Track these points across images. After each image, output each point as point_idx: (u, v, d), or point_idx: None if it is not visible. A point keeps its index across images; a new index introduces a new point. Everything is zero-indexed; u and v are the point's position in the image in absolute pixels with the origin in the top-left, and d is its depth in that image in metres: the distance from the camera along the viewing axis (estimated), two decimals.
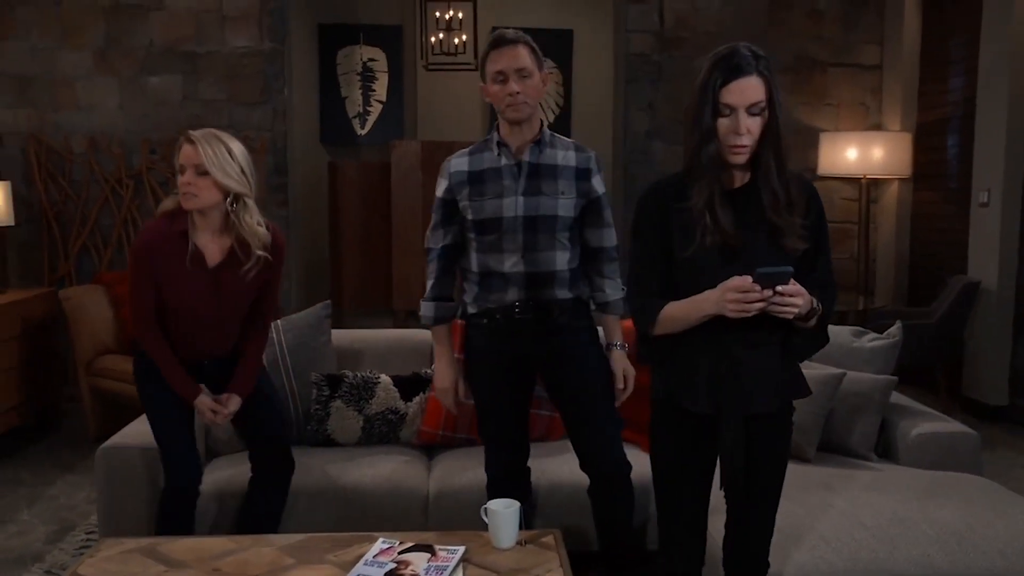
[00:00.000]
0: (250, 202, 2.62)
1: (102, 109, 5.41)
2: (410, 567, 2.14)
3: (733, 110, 1.89)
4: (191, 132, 2.57)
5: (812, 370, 3.11)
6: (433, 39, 6.11)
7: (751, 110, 1.89)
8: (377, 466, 3.02)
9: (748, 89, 1.88)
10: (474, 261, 2.60)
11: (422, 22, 6.12)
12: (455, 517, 2.84)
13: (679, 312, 1.97)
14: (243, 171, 2.59)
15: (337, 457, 3.08)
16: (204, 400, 2.68)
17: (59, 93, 5.39)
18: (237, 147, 2.60)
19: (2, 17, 5.32)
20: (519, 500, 2.65)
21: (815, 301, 1.93)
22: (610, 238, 2.66)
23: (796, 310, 1.86)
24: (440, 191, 2.63)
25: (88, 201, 5.40)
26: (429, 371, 3.32)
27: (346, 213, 6.32)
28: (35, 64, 5.37)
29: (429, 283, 2.69)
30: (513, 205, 2.52)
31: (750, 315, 1.84)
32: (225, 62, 5.44)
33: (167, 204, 2.65)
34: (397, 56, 6.92)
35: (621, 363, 2.68)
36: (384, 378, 3.27)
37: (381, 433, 3.23)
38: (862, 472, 2.92)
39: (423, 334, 3.61)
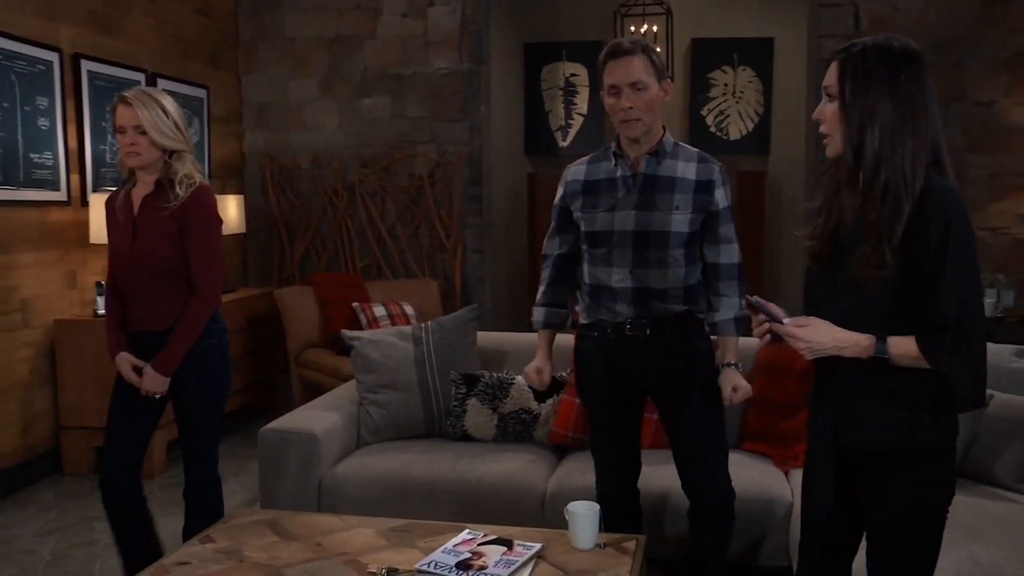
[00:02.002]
0: (187, 156, 2.72)
1: (324, 129, 6.06)
2: (482, 558, 2.26)
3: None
4: (125, 94, 2.66)
5: None
6: None
7: (826, 94, 1.80)
8: (503, 462, 3.21)
9: (828, 73, 1.80)
10: (586, 272, 2.59)
11: (620, 37, 6.25)
12: None
13: None
14: (177, 127, 2.68)
15: (470, 452, 3.31)
16: (120, 360, 2.73)
17: (290, 117, 6.11)
18: (170, 104, 2.70)
19: (249, 56, 6.13)
20: (630, 520, 2.70)
21: (877, 348, 1.72)
22: (728, 255, 2.53)
23: (802, 350, 1.78)
24: (556, 197, 2.66)
25: (311, 211, 6.08)
26: (564, 374, 3.47)
27: (543, 222, 6.59)
28: (272, 93, 6.13)
29: (541, 288, 2.74)
30: (624, 219, 2.48)
31: (764, 344, 1.82)
32: (428, 82, 5.89)
33: (124, 170, 2.77)
34: (597, 70, 7.10)
35: (731, 380, 2.55)
36: (519, 379, 3.46)
37: (515, 432, 3.43)
38: (998, 504, 2.71)
39: (565, 339, 3.76)
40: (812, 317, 1.80)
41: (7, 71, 4.10)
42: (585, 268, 2.60)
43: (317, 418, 3.34)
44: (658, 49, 2.54)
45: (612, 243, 2.50)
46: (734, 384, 2.55)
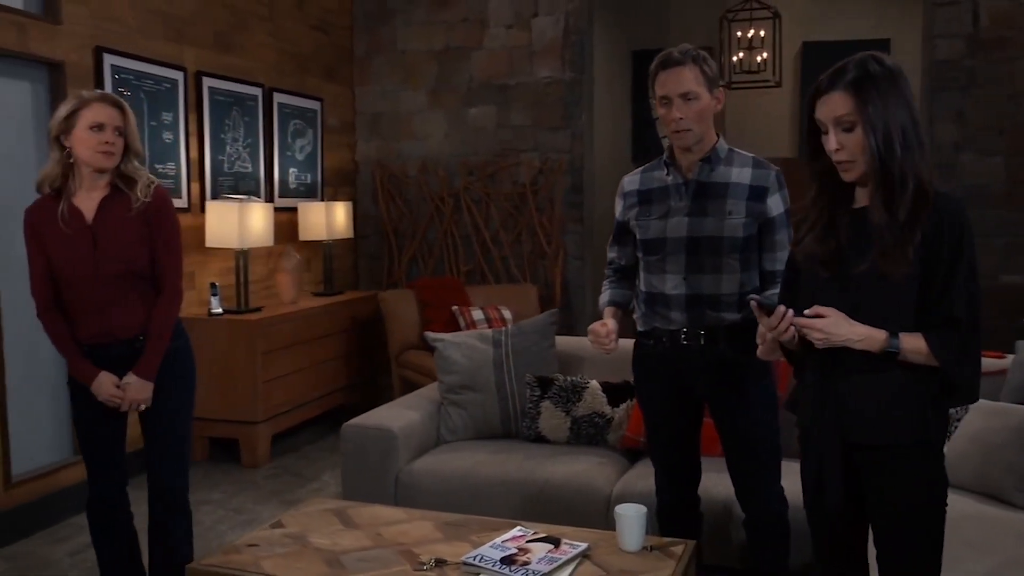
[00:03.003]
0: (137, 160, 2.69)
1: (432, 138, 6.28)
2: (527, 554, 2.33)
3: (826, 126, 1.89)
4: (108, 94, 2.65)
5: None
6: (735, 58, 6.16)
7: (840, 125, 1.86)
8: (572, 464, 3.27)
9: (830, 104, 1.87)
10: (642, 280, 2.63)
11: (728, 42, 6.19)
12: None
13: None
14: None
15: (541, 453, 3.38)
16: (102, 381, 2.63)
17: (400, 127, 6.36)
18: None
19: (363, 69, 6.43)
20: (689, 526, 2.72)
21: (890, 342, 1.81)
22: (783, 261, 2.42)
23: (817, 340, 1.83)
24: (616, 211, 2.71)
25: (418, 217, 6.30)
26: None
27: None
28: (384, 104, 6.40)
29: (604, 284, 2.78)
30: (677, 226, 2.52)
31: (784, 340, 1.88)
32: (532, 92, 6.01)
33: (51, 174, 2.63)
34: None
35: None
36: (593, 383, 3.52)
37: (588, 435, 3.48)
38: None
39: (631, 344, 3.78)
40: (830, 308, 1.84)
41: (137, 89, 4.48)
42: (641, 276, 2.64)
43: (397, 416, 3.49)
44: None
45: (666, 250, 2.54)
46: None
